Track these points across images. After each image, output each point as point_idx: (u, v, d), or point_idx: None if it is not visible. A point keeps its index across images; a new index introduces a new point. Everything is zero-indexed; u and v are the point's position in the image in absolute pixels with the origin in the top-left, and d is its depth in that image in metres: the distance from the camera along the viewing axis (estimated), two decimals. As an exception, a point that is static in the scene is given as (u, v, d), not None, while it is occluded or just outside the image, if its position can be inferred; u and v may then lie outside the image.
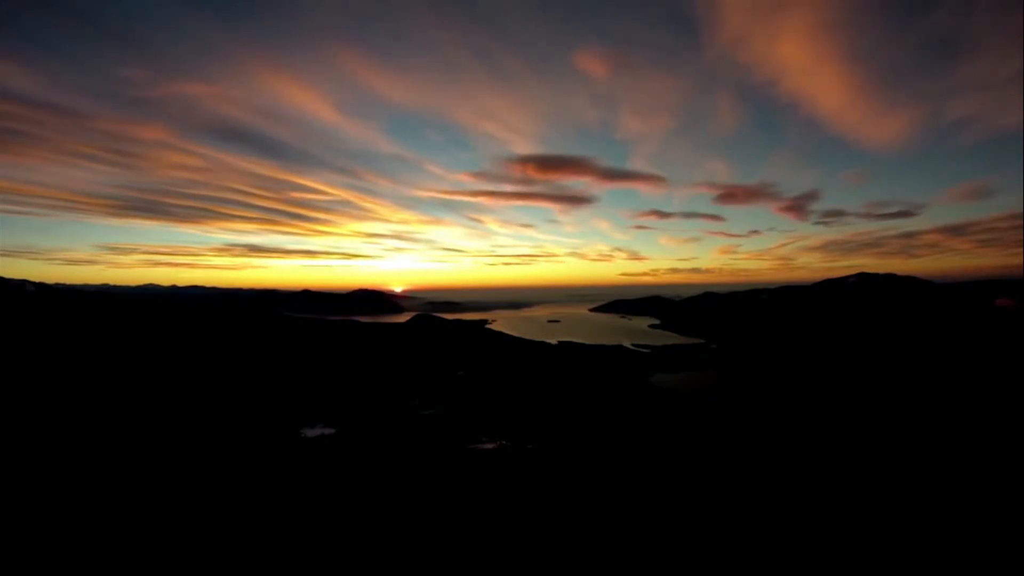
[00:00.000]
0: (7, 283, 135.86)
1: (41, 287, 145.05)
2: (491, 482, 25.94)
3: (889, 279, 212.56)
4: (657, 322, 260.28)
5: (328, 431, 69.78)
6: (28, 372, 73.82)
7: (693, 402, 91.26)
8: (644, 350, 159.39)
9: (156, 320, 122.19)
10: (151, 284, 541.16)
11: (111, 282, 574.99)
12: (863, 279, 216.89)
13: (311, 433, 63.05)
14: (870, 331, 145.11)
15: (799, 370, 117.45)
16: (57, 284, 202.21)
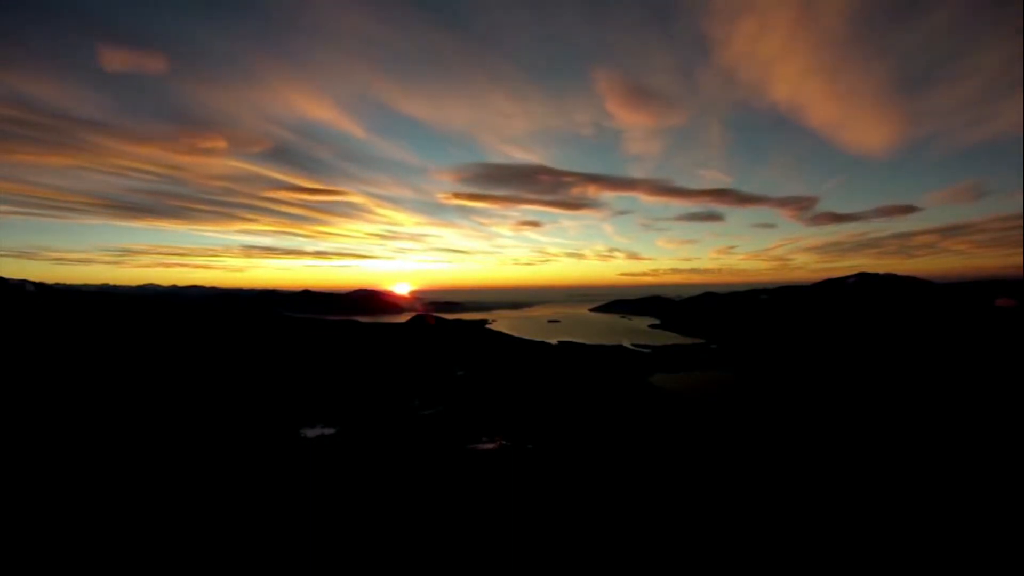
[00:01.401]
0: (7, 283, 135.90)
1: (41, 287, 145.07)
2: (491, 482, 25.88)
3: (889, 279, 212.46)
4: (657, 322, 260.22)
5: (328, 431, 69.70)
6: (27, 372, 73.76)
7: (693, 402, 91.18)
8: (644, 350, 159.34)
9: (156, 320, 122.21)
10: (151, 284, 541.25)
11: (111, 282, 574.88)
12: (863, 279, 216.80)
13: (311, 433, 62.99)
14: (872, 331, 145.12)
15: (800, 370, 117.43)
16: (57, 284, 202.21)
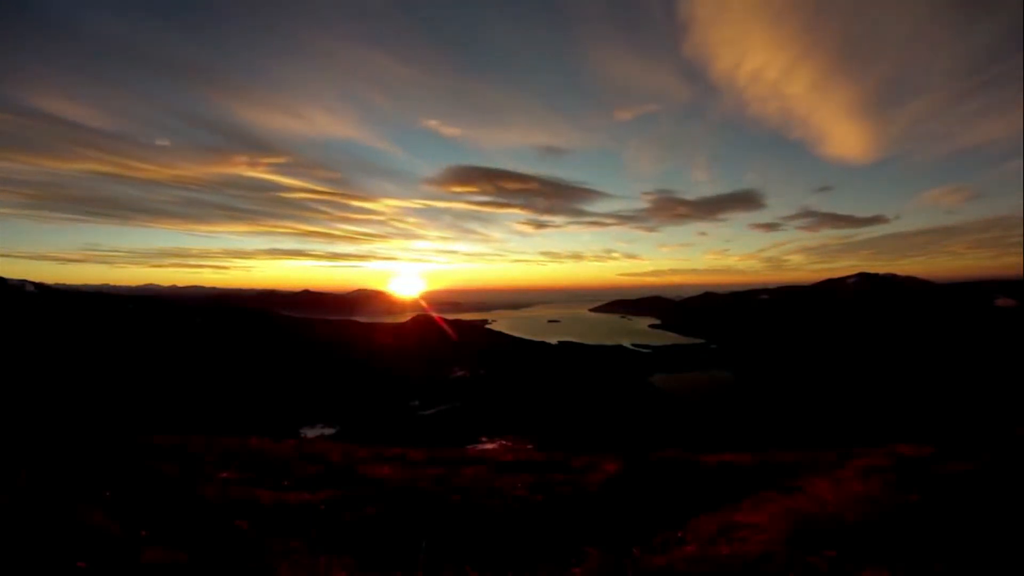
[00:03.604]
0: (7, 283, 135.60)
1: (41, 287, 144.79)
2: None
3: (889, 279, 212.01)
4: (657, 322, 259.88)
5: (328, 431, 69.66)
6: (28, 371, 73.60)
7: (694, 403, 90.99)
8: (644, 350, 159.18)
9: (157, 320, 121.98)
10: (151, 284, 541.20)
11: (111, 282, 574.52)
12: (864, 279, 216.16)
13: (311, 433, 62.95)
14: (875, 330, 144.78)
15: (803, 370, 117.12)
16: (57, 284, 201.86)
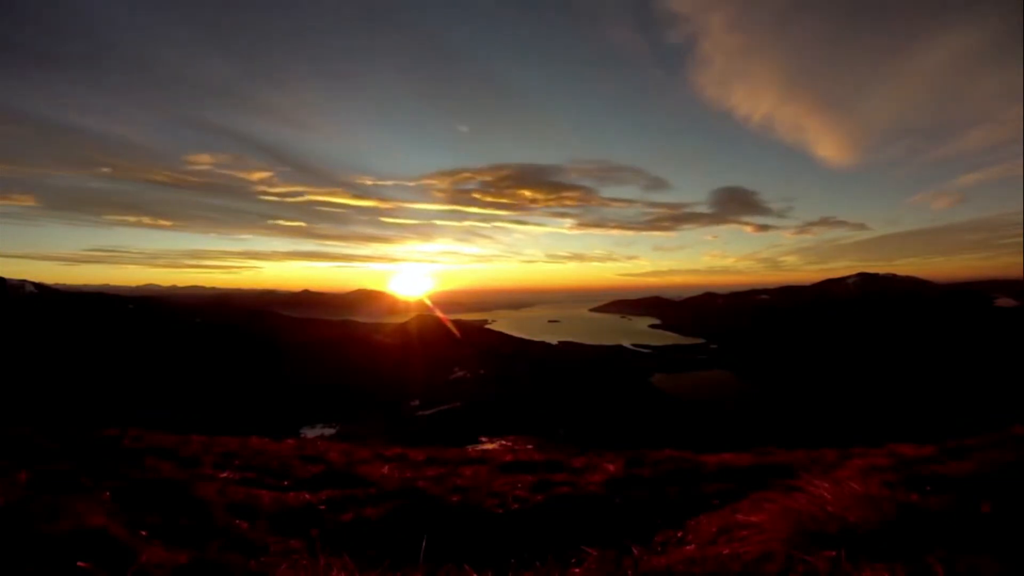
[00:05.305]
0: (6, 283, 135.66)
1: (41, 287, 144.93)
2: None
3: (889, 279, 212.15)
4: (657, 322, 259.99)
5: (328, 431, 69.65)
6: (27, 370, 73.60)
7: (694, 402, 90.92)
8: (644, 350, 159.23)
9: (157, 320, 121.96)
10: (151, 284, 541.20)
11: (111, 283, 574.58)
12: (864, 279, 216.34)
13: (311, 433, 62.97)
14: (877, 329, 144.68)
15: (802, 369, 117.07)
16: (56, 285, 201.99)
